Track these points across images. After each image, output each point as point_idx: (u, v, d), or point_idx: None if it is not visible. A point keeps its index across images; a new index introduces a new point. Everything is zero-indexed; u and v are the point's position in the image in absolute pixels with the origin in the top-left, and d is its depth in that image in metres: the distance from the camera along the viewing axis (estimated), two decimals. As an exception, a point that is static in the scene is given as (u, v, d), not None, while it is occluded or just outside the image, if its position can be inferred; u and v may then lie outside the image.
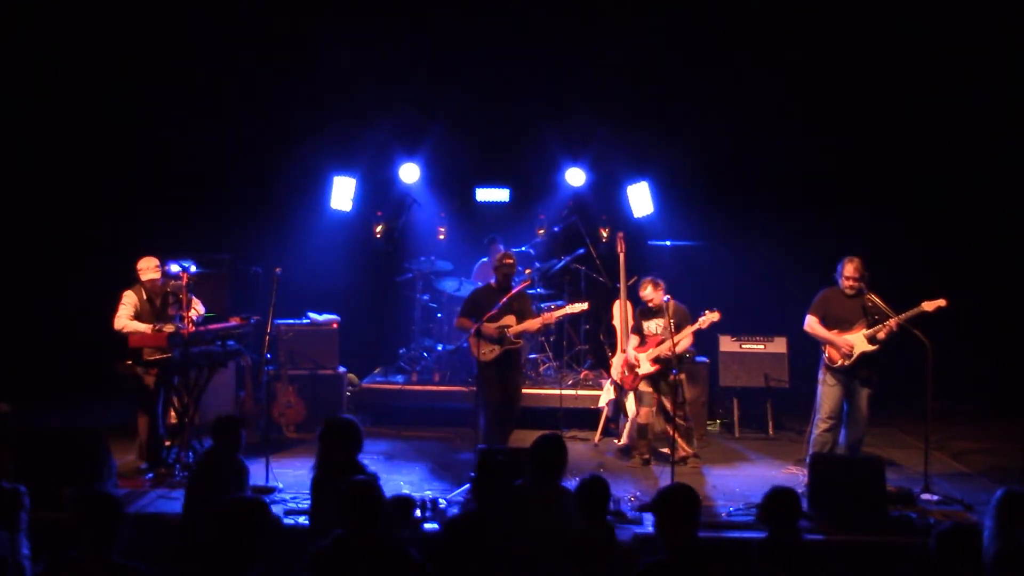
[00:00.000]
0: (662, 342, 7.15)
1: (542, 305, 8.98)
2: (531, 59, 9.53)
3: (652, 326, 7.31)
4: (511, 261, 7.32)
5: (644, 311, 7.36)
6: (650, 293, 7.21)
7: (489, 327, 7.09)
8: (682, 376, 7.28)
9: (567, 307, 7.65)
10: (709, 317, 7.07)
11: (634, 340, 7.48)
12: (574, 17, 9.43)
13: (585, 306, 7.65)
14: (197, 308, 7.00)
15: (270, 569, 3.67)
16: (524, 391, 8.48)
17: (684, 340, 7.10)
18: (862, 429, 6.85)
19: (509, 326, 7.16)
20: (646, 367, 7.28)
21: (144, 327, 6.78)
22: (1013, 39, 8.85)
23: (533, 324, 7.27)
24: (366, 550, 3.67)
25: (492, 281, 7.43)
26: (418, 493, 6.16)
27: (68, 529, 4.20)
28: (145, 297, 6.97)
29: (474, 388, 7.63)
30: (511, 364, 7.29)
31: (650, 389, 7.33)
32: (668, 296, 7.10)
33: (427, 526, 5.53)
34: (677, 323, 7.09)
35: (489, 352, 7.13)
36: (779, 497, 4.01)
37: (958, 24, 8.98)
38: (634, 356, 7.38)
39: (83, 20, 9.21)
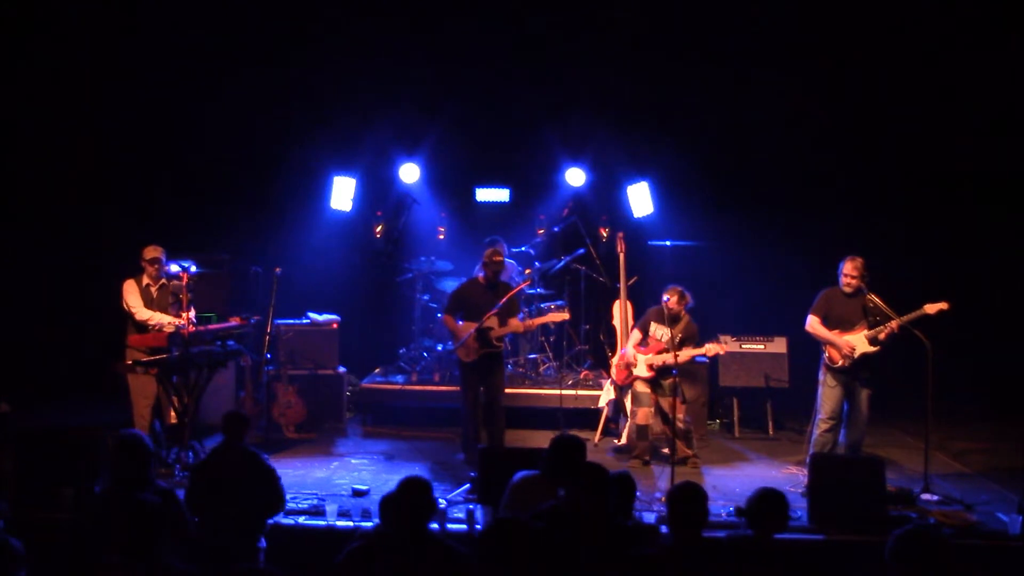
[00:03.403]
0: (663, 351, 7.14)
1: (542, 305, 8.99)
2: (531, 59, 9.53)
3: (659, 332, 7.27)
4: (500, 259, 7.32)
5: (657, 314, 7.31)
6: (674, 303, 7.17)
7: (470, 328, 7.08)
8: (675, 380, 7.32)
9: (549, 315, 7.65)
10: (714, 348, 7.21)
11: (636, 336, 7.45)
12: (574, 17, 9.43)
13: (566, 315, 7.68)
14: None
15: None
16: (524, 391, 8.54)
17: (682, 358, 7.12)
18: (862, 429, 6.85)
19: (492, 328, 7.14)
20: (642, 370, 7.29)
21: (166, 320, 6.84)
22: (1014, 39, 8.87)
23: (517, 327, 7.27)
24: (410, 544, 3.67)
25: (480, 276, 7.41)
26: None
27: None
28: (144, 284, 7.02)
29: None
30: (493, 365, 7.27)
31: (647, 389, 7.32)
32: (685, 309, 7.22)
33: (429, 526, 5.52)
34: (684, 338, 7.21)
35: (469, 353, 7.12)
36: (767, 499, 4.04)
37: (959, 23, 8.99)
38: (633, 355, 7.38)
39: (83, 19, 9.20)
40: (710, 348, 7.23)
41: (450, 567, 3.66)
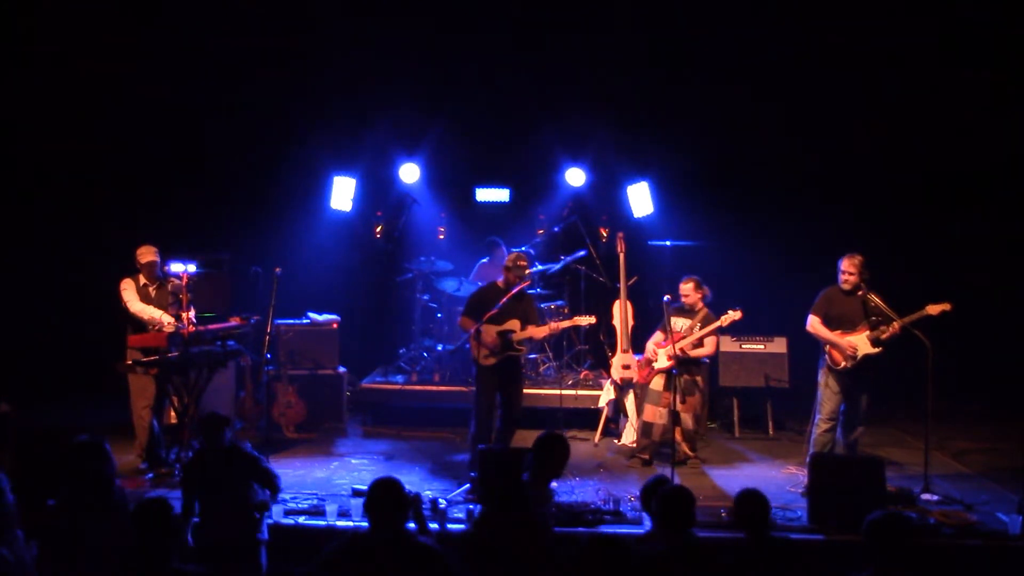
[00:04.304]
0: (684, 339, 7.12)
1: (542, 305, 8.98)
2: (531, 59, 9.52)
3: (679, 324, 7.27)
4: (525, 264, 7.11)
5: (676, 310, 7.32)
6: (690, 291, 7.23)
7: (491, 331, 6.93)
8: (698, 377, 7.31)
9: (575, 318, 7.49)
10: (731, 316, 7.13)
11: (658, 336, 7.45)
12: (574, 17, 9.43)
13: (592, 320, 7.57)
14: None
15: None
16: (524, 391, 8.51)
17: (708, 341, 7.21)
18: (861, 426, 6.84)
19: (513, 331, 6.98)
20: (662, 362, 7.28)
21: (157, 314, 6.83)
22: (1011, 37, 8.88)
23: (539, 332, 7.11)
24: (389, 546, 3.67)
25: (499, 280, 7.30)
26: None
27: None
28: (142, 284, 7.01)
29: (473, 388, 7.58)
30: (511, 370, 7.11)
31: (660, 388, 7.30)
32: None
33: (429, 525, 5.51)
34: (704, 327, 7.23)
35: (489, 356, 6.98)
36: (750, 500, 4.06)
37: (958, 24, 9.00)
38: (652, 350, 7.38)
39: (84, 20, 9.20)
40: (725, 318, 7.14)
41: (427, 566, 3.66)
